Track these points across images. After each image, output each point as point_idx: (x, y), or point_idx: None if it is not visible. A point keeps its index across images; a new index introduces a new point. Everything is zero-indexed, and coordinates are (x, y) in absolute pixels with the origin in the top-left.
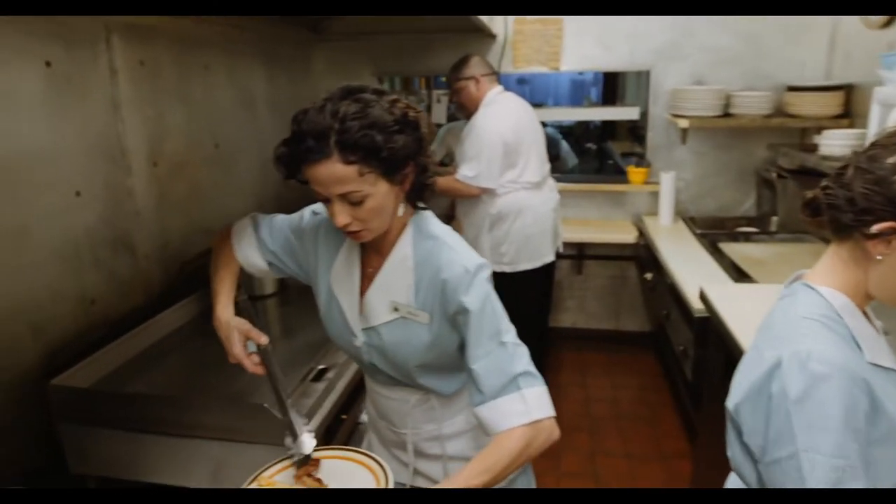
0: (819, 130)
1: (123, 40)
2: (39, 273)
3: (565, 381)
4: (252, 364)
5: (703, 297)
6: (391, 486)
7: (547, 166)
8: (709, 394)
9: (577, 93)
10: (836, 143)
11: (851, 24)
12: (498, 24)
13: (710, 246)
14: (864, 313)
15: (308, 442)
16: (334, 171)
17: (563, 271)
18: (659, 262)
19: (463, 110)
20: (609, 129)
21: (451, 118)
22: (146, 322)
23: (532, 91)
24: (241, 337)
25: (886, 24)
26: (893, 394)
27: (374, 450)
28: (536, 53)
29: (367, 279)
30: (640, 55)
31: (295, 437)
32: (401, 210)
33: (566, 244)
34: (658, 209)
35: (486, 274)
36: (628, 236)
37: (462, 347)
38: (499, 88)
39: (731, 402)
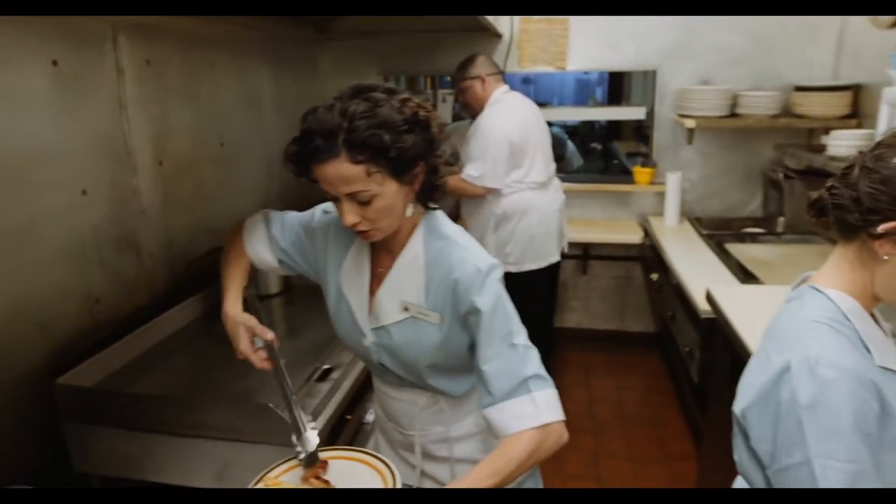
0: (827, 131)
1: (130, 39)
2: (45, 272)
3: (569, 382)
4: (259, 360)
5: (709, 299)
6: (399, 487)
7: (552, 166)
8: (715, 396)
9: (582, 92)
10: (844, 143)
11: (860, 24)
12: (504, 23)
13: (717, 247)
14: (872, 315)
15: (312, 439)
16: (342, 170)
17: (568, 271)
18: (664, 263)
19: (468, 110)
20: (614, 129)
21: (457, 118)
22: (151, 321)
23: (537, 90)
24: (247, 333)
25: (895, 25)
26: None
27: (382, 451)
28: (542, 53)
29: (376, 279)
30: (646, 55)
31: (299, 433)
32: (410, 210)
33: (571, 244)
34: (664, 209)
35: (498, 274)
36: (634, 237)
37: (472, 348)
38: (504, 88)
39: (738, 406)
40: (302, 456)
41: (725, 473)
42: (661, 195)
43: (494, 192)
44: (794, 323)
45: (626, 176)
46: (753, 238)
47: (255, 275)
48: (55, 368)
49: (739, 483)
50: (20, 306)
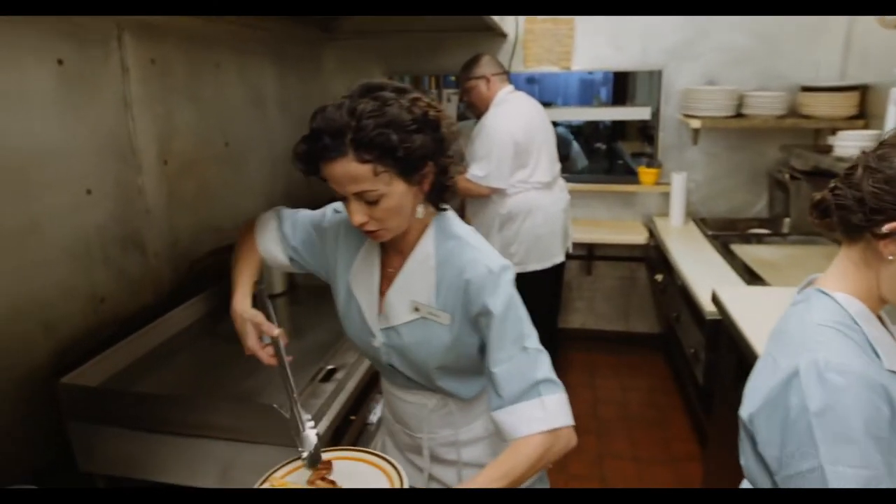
0: (833, 131)
1: (135, 39)
2: (50, 271)
3: (574, 383)
4: (267, 356)
5: (715, 300)
6: (406, 487)
7: (557, 166)
8: (720, 397)
9: (586, 92)
10: (850, 144)
11: (867, 24)
12: (509, 23)
13: (722, 248)
14: (880, 318)
15: (310, 438)
16: (349, 169)
17: (573, 272)
18: (669, 264)
19: (473, 110)
20: (619, 129)
21: (461, 118)
22: (156, 321)
23: (541, 90)
24: (255, 329)
25: None
26: None
27: (389, 453)
28: (547, 53)
29: (386, 279)
30: (652, 55)
31: (298, 432)
32: (421, 211)
33: (576, 245)
34: (669, 210)
35: (511, 276)
36: (639, 237)
37: (482, 350)
38: (509, 88)
39: (745, 411)
40: (304, 455)
41: (731, 475)
42: (666, 196)
43: (499, 193)
44: (800, 326)
45: (630, 176)
46: (759, 239)
47: (261, 273)
48: (59, 368)
49: (746, 486)
50: (24, 305)
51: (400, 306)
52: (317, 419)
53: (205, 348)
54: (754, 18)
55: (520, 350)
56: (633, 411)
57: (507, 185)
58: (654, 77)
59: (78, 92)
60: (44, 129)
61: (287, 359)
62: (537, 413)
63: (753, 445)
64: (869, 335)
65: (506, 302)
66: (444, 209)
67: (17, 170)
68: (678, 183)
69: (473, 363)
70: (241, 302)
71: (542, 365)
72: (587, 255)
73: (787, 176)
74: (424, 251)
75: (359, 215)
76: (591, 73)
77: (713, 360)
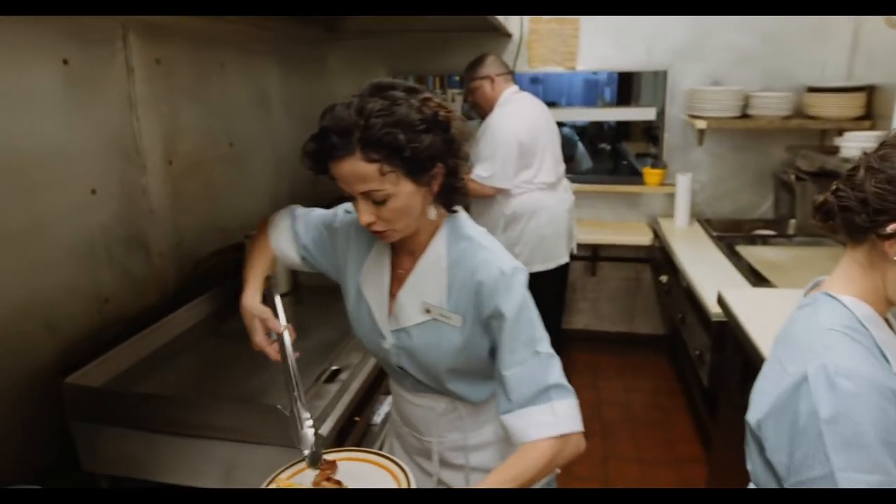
0: (840, 132)
1: (140, 39)
2: (54, 271)
3: (577, 384)
4: (274, 352)
5: (721, 302)
6: (413, 487)
7: (562, 167)
8: (725, 399)
9: (590, 92)
10: (857, 145)
11: (874, 25)
12: (513, 23)
13: (727, 249)
14: (887, 321)
15: (308, 437)
16: (357, 168)
17: (577, 273)
18: (674, 265)
19: (478, 110)
20: (623, 130)
21: (466, 118)
22: (160, 321)
23: (545, 90)
24: (262, 325)
25: None
26: None
27: (397, 457)
28: (552, 53)
29: (397, 280)
30: (657, 55)
31: (297, 431)
32: (432, 212)
33: (580, 245)
34: (674, 211)
35: (523, 278)
36: (643, 238)
37: (493, 352)
38: (514, 88)
39: (752, 416)
40: (306, 453)
41: (735, 477)
42: (671, 196)
43: (504, 193)
44: (808, 331)
45: (635, 177)
46: (764, 240)
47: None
48: (63, 368)
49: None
50: (29, 305)
51: (410, 308)
52: (321, 420)
53: (209, 349)
54: (760, 18)
55: (532, 354)
56: (636, 413)
57: (512, 186)
58: (660, 77)
59: (83, 92)
60: (49, 128)
61: (294, 355)
62: (547, 418)
63: (761, 451)
64: (877, 339)
65: (518, 304)
66: (456, 211)
67: (22, 169)
68: (683, 184)
69: (484, 366)
70: (251, 298)
71: (554, 370)
72: (591, 255)
73: (792, 177)
74: (436, 252)
75: (366, 215)
76: (595, 73)
77: (718, 362)
